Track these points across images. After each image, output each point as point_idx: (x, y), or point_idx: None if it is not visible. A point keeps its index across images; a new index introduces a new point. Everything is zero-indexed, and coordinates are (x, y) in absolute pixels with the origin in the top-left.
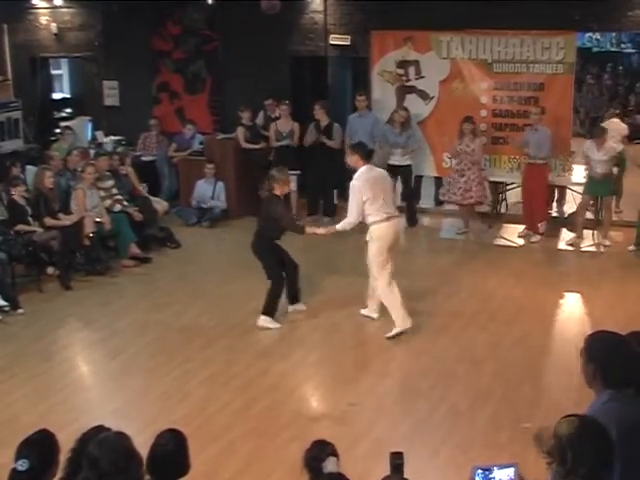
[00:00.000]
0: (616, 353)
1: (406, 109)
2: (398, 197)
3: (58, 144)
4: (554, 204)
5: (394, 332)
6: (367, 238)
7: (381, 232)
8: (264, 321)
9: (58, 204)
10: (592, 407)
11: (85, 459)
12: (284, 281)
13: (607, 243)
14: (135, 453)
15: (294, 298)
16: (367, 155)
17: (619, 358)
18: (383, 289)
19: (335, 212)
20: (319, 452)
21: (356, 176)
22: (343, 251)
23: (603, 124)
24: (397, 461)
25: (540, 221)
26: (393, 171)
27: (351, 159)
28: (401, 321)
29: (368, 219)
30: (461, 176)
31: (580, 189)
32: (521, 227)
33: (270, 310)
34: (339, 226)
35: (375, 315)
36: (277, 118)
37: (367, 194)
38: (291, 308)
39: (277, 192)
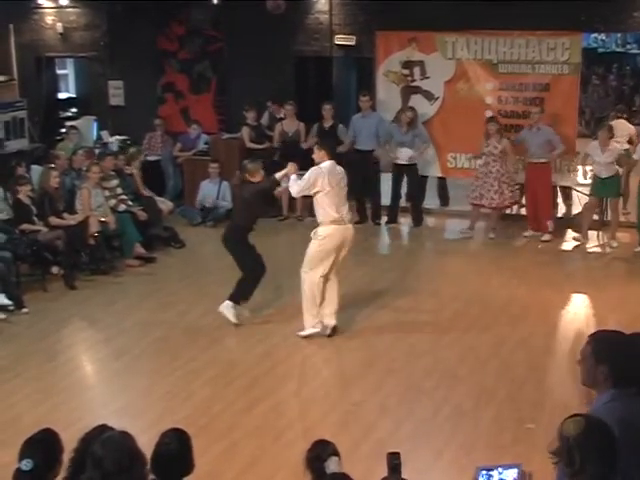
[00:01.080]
0: (626, 352)
1: (413, 109)
2: (403, 197)
3: (63, 143)
4: (559, 205)
5: (308, 332)
6: (311, 234)
7: (327, 232)
8: (226, 307)
9: (63, 204)
10: (594, 407)
11: (89, 458)
12: (257, 273)
13: (614, 244)
14: (139, 453)
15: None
16: (333, 152)
17: (629, 356)
18: (309, 285)
19: None
20: (321, 452)
21: (322, 165)
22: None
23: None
24: (394, 461)
25: (547, 220)
26: (399, 170)
27: (317, 154)
28: (310, 323)
29: (319, 217)
30: (494, 179)
31: (585, 190)
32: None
33: (236, 297)
34: (288, 183)
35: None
36: (282, 119)
37: (325, 187)
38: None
39: (278, 177)
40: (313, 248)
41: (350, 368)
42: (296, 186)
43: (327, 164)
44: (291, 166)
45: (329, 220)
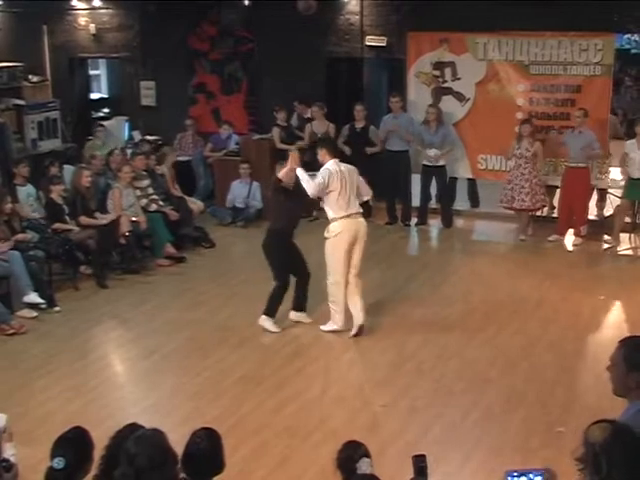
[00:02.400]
0: None
1: (436, 106)
2: (433, 198)
3: (92, 142)
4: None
5: (329, 327)
6: (325, 234)
7: (336, 229)
8: (264, 321)
9: (95, 203)
10: (624, 415)
11: (122, 455)
12: (288, 285)
13: None
14: (171, 450)
15: (300, 306)
16: (334, 150)
17: None
18: (331, 285)
19: (370, 213)
20: (352, 452)
21: (327, 165)
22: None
23: None
24: (420, 464)
25: (582, 225)
26: (427, 172)
27: (320, 154)
28: (338, 321)
29: (329, 214)
30: (525, 181)
31: (618, 192)
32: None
33: (270, 311)
34: (301, 171)
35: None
36: (310, 119)
37: (337, 186)
38: (294, 315)
39: (280, 176)
40: (329, 250)
41: (379, 369)
42: (311, 189)
43: (331, 163)
44: (292, 157)
45: (339, 216)
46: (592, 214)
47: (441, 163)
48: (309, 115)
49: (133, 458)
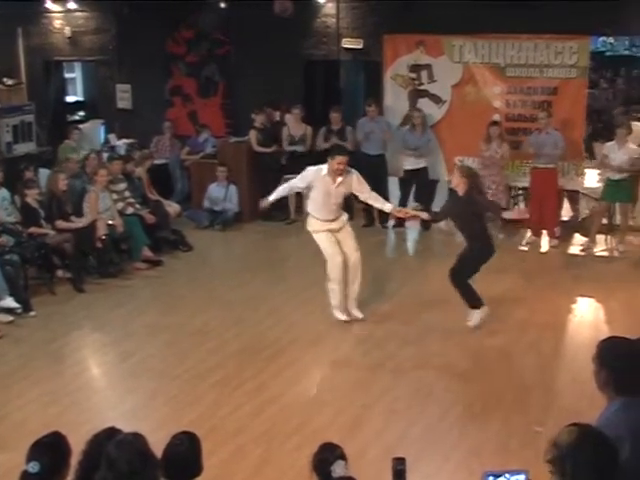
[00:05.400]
0: (628, 359)
1: (420, 110)
2: (411, 200)
3: (65, 145)
4: (566, 209)
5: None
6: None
7: (311, 222)
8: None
9: (71, 207)
10: (603, 415)
11: (103, 460)
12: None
13: (622, 248)
14: (152, 455)
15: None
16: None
17: (631, 365)
18: (331, 269)
19: (351, 212)
20: (328, 455)
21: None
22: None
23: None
24: (399, 467)
25: (554, 226)
26: (409, 176)
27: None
28: (337, 309)
29: (308, 206)
30: (492, 182)
31: (593, 193)
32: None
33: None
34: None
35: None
36: (279, 122)
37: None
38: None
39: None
40: (316, 240)
41: (359, 371)
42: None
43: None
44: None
45: (312, 212)
46: (566, 215)
47: (422, 165)
48: (278, 119)
49: (113, 463)
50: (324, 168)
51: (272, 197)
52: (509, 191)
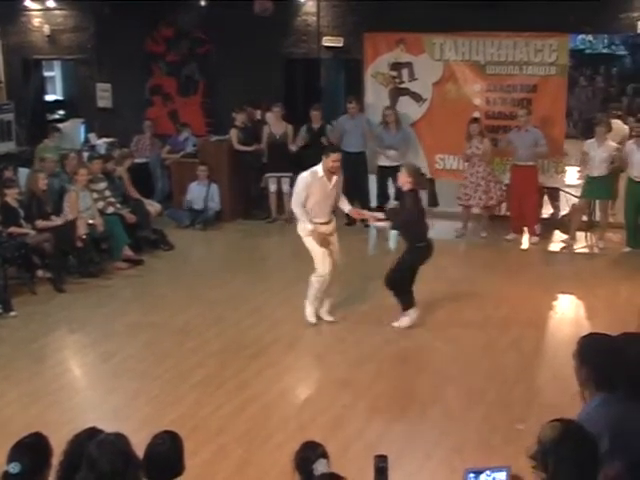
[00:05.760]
0: (608, 356)
1: (392, 107)
2: (391, 198)
3: (44, 144)
4: (545, 206)
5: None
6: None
7: (301, 226)
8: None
9: (51, 206)
10: (584, 410)
11: (84, 460)
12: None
13: (601, 245)
14: (134, 455)
15: None
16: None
17: (611, 361)
18: (317, 280)
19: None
20: (309, 453)
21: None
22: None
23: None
24: (380, 464)
25: (534, 224)
26: (384, 173)
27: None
28: (309, 314)
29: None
30: (481, 179)
31: (574, 191)
32: None
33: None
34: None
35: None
36: (260, 121)
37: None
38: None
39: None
40: (307, 244)
41: (340, 369)
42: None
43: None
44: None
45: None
46: (547, 213)
47: (398, 163)
48: (259, 117)
49: (94, 463)
50: (319, 170)
51: (309, 225)
52: (501, 186)
